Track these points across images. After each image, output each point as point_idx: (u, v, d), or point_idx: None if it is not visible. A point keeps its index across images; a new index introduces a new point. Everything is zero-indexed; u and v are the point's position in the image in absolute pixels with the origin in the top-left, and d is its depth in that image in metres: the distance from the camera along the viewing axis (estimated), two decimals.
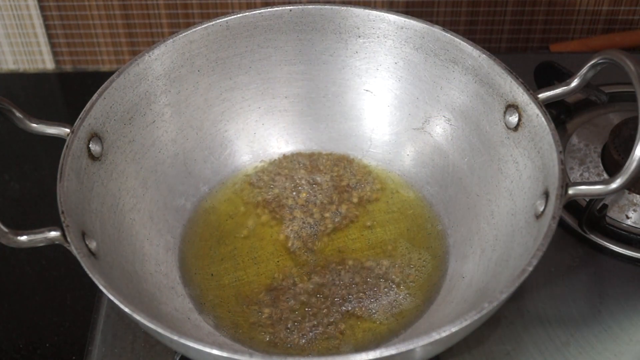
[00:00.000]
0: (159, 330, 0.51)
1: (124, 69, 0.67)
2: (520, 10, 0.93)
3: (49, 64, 0.97)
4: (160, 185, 0.70)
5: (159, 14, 0.92)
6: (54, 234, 0.57)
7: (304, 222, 0.71)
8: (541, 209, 0.60)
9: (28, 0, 0.91)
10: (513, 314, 0.66)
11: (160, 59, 0.69)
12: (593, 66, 0.62)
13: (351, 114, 0.76)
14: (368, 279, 0.67)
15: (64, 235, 0.56)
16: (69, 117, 0.65)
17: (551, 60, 0.80)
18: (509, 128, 0.66)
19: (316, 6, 0.72)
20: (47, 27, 0.93)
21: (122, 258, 0.63)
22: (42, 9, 0.92)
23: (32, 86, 0.96)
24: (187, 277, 0.67)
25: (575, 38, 0.95)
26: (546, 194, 0.60)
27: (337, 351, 0.62)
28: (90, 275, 0.54)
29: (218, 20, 0.71)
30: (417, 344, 0.50)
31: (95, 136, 0.64)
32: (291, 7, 0.72)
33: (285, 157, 0.76)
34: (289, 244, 0.69)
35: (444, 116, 0.72)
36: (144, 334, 0.65)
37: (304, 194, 0.73)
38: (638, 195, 0.72)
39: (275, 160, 0.76)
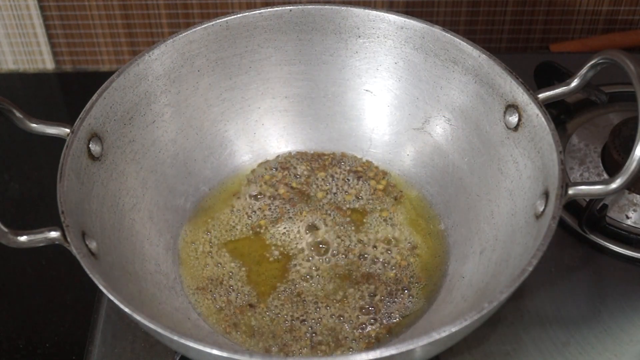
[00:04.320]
0: (159, 330, 0.51)
1: (124, 69, 0.67)
2: (520, 10, 0.93)
3: (49, 64, 0.97)
4: (160, 185, 0.70)
5: (159, 14, 0.92)
6: (54, 234, 0.57)
7: (305, 223, 0.71)
8: (541, 209, 0.60)
9: (28, 0, 0.91)
10: (513, 314, 0.66)
11: (160, 59, 0.69)
12: (593, 66, 0.62)
13: (351, 114, 0.76)
14: (370, 280, 0.67)
15: (64, 235, 0.56)
16: (69, 117, 0.65)
17: (551, 60, 0.80)
18: (509, 128, 0.66)
19: (316, 6, 0.72)
20: (47, 27, 0.93)
21: (122, 258, 0.63)
22: (42, 9, 0.92)
23: (32, 86, 0.96)
24: (187, 277, 0.67)
25: (575, 38, 0.95)
26: (546, 194, 0.60)
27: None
28: (90, 275, 0.54)
29: (218, 20, 0.71)
30: (417, 344, 0.50)
31: (95, 136, 0.64)
32: (291, 7, 0.72)
33: (285, 157, 0.76)
34: (290, 244, 0.69)
35: (444, 116, 0.72)
36: (144, 334, 0.65)
37: (305, 194, 0.73)
38: (638, 195, 0.72)
39: (275, 160, 0.76)
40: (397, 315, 0.64)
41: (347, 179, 0.74)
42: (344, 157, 0.76)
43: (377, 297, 0.65)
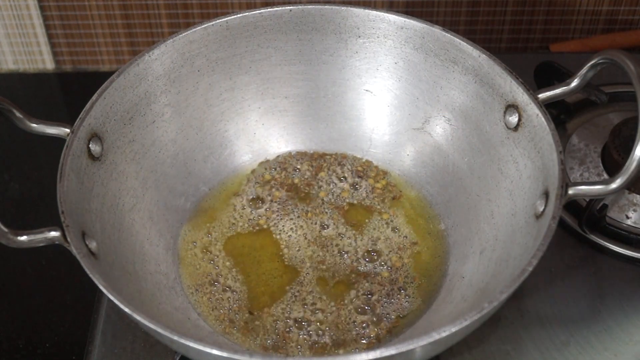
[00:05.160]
0: (159, 330, 0.51)
1: (124, 69, 0.67)
2: (520, 10, 0.93)
3: (49, 64, 0.97)
4: (160, 185, 0.70)
5: (159, 14, 0.92)
6: (54, 234, 0.57)
7: (305, 222, 0.71)
8: (541, 209, 0.60)
9: (28, 0, 0.91)
10: (513, 314, 0.66)
11: (160, 59, 0.69)
12: (593, 66, 0.62)
13: (351, 114, 0.76)
14: (368, 280, 0.67)
15: (64, 235, 0.56)
16: (69, 117, 0.65)
17: (551, 60, 0.80)
18: (509, 128, 0.66)
19: (316, 6, 0.72)
20: (47, 27, 0.94)
21: (122, 258, 0.63)
22: (42, 9, 0.92)
23: (32, 86, 0.96)
24: (187, 277, 0.67)
25: (575, 38, 0.95)
26: (546, 194, 0.60)
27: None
28: (90, 275, 0.54)
29: (218, 20, 0.71)
30: (417, 344, 0.50)
31: (95, 136, 0.64)
32: (291, 7, 0.72)
33: (285, 157, 0.76)
34: (290, 245, 0.70)
35: (444, 116, 0.72)
36: (144, 334, 0.65)
37: (304, 194, 0.73)
38: (638, 195, 0.72)
39: (275, 160, 0.76)
40: (395, 315, 0.64)
41: (347, 179, 0.74)
42: (344, 157, 0.76)
43: (375, 297, 0.65)
